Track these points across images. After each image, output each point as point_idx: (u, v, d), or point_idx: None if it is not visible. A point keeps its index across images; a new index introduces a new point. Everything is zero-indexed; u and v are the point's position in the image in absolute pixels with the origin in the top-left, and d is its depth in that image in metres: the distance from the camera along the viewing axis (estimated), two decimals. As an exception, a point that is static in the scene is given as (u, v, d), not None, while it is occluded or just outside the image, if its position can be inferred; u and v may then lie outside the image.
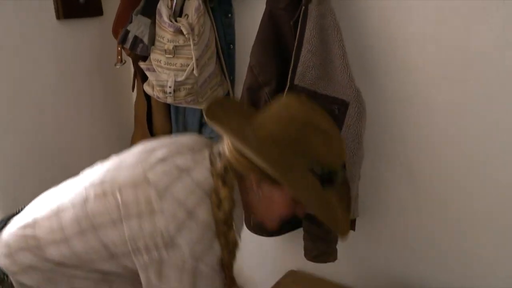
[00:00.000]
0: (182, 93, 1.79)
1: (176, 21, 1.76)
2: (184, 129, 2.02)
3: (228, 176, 1.16)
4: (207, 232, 1.11)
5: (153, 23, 1.79)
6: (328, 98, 1.58)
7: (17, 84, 2.01)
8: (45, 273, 1.20)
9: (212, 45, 1.83)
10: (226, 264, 1.14)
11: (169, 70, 1.77)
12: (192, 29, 1.72)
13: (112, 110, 2.33)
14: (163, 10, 1.76)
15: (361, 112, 1.60)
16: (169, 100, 1.81)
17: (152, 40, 1.78)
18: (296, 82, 1.58)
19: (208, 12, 1.81)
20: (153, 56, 1.78)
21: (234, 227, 1.15)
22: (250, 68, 1.67)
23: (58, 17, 2.08)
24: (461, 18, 1.45)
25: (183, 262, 1.10)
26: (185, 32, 1.71)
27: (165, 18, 1.74)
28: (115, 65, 2.00)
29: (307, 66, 1.56)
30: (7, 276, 1.22)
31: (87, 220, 1.16)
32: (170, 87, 1.77)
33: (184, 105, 1.86)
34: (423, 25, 1.52)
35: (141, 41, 1.77)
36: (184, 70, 1.75)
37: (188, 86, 1.78)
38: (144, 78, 1.92)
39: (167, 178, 1.13)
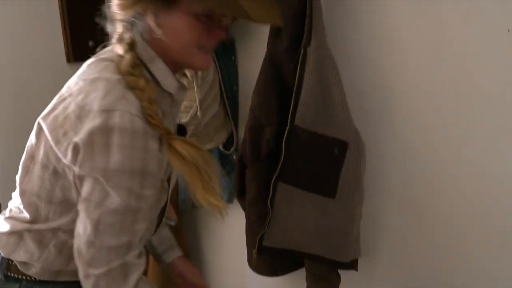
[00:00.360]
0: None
1: (180, 64, 1.82)
2: (189, 168, 2.05)
3: (124, 33, 1.13)
4: (114, 86, 1.07)
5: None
6: (328, 138, 1.61)
7: (28, 127, 2.07)
8: (32, 236, 1.20)
9: (216, 87, 1.88)
10: (149, 114, 1.06)
11: (174, 112, 1.82)
12: (196, 72, 1.77)
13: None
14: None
15: (360, 152, 1.62)
16: (174, 141, 1.86)
17: (157, 83, 1.84)
18: (296, 123, 1.61)
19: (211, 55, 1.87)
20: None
21: (149, 80, 1.11)
22: (252, 109, 1.71)
23: (68, 61, 2.17)
24: (461, 55, 1.48)
25: (93, 121, 1.04)
26: (188, 75, 1.76)
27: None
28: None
29: (307, 107, 1.59)
30: (11, 261, 1.23)
31: (26, 155, 1.21)
32: (174, 128, 1.82)
33: (188, 145, 1.90)
34: (422, 65, 1.55)
35: (146, 84, 1.83)
36: (188, 112, 1.80)
37: (192, 128, 1.82)
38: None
39: (80, 70, 1.17)
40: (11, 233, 1.23)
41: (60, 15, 2.15)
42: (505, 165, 1.46)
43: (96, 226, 1.07)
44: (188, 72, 1.76)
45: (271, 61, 1.67)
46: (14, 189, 1.28)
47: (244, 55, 1.95)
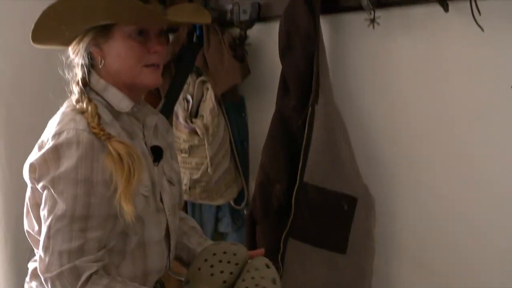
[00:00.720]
0: (197, 190, 1.86)
1: (192, 122, 1.86)
2: (201, 224, 2.06)
3: (78, 74, 1.25)
4: (67, 115, 1.20)
5: (170, 125, 1.89)
6: (337, 194, 1.62)
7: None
8: None
9: (226, 143, 1.91)
10: (92, 126, 1.16)
11: (185, 169, 1.85)
12: (207, 130, 1.81)
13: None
14: (179, 112, 1.87)
15: (370, 207, 1.63)
16: (185, 197, 1.88)
17: (169, 141, 1.88)
18: (305, 179, 1.62)
19: (222, 112, 1.91)
20: (170, 155, 1.88)
21: (93, 103, 1.21)
22: (262, 165, 1.74)
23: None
24: (464, 110, 1.51)
25: (47, 145, 1.15)
26: (199, 133, 1.80)
27: (181, 120, 1.85)
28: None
29: (315, 164, 1.62)
30: None
31: (26, 200, 1.29)
32: (185, 184, 1.85)
33: (199, 201, 1.92)
34: (426, 122, 1.58)
35: (158, 141, 1.87)
36: (199, 169, 1.83)
37: (203, 184, 1.85)
38: (162, 175, 2.01)
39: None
40: (34, 277, 1.28)
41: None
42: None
43: (48, 232, 1.15)
44: (199, 130, 1.80)
45: (280, 118, 1.71)
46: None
47: (253, 112, 1.99)
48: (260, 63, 1.93)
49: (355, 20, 1.63)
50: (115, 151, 1.15)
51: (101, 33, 1.21)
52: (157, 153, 1.32)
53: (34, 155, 1.19)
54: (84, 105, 1.20)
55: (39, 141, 1.21)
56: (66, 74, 1.28)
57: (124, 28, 1.21)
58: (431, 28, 1.52)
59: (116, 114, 1.25)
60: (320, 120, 1.61)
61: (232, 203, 2.01)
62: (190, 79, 1.92)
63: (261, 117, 1.90)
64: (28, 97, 2.13)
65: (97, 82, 1.25)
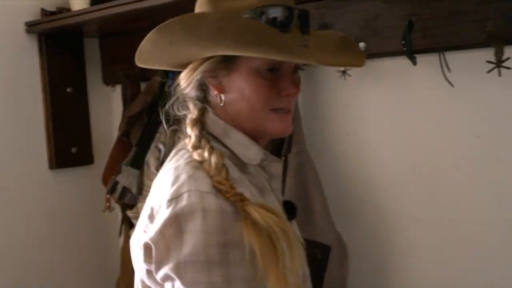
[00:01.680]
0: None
1: (163, 170, 1.84)
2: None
3: (192, 113, 1.01)
4: (182, 170, 0.92)
5: (142, 174, 1.88)
6: (310, 242, 1.61)
7: (5, 231, 2.04)
8: None
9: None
10: (218, 180, 0.88)
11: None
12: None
13: (99, 255, 2.33)
14: (151, 161, 1.86)
15: (343, 256, 1.63)
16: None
17: (140, 190, 1.85)
18: (279, 228, 1.62)
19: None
20: (141, 205, 1.85)
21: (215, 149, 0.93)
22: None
23: (50, 167, 2.17)
24: (432, 163, 1.55)
25: (162, 215, 0.88)
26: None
27: (153, 169, 1.83)
28: (103, 212, 2.05)
29: (288, 212, 1.62)
30: None
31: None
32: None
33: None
34: (397, 170, 1.62)
35: (129, 191, 1.84)
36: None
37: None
38: (132, 225, 1.97)
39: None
40: None
41: (45, 121, 2.18)
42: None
43: None
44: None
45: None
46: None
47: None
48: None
49: (327, 72, 1.68)
50: (266, 224, 0.85)
51: (224, 63, 0.95)
52: (291, 209, 1.08)
53: (144, 227, 0.93)
54: (205, 154, 0.92)
55: (147, 207, 0.95)
56: (176, 109, 1.02)
57: (252, 61, 0.94)
58: (401, 80, 1.58)
59: (242, 166, 0.98)
60: (293, 169, 1.63)
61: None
62: (162, 128, 1.92)
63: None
64: None
65: (215, 123, 0.99)
